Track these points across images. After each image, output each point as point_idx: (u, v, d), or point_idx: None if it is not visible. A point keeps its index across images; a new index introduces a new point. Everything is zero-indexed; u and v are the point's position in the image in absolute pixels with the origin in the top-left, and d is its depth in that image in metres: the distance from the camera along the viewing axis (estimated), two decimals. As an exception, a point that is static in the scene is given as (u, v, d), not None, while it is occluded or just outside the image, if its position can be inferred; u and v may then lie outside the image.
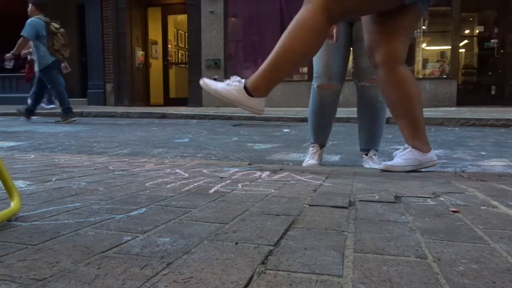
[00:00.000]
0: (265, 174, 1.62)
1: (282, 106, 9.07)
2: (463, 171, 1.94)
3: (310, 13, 1.63)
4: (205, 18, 10.04)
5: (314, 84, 2.23)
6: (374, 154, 2.28)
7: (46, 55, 5.92)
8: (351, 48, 2.22)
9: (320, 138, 2.33)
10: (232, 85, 1.70)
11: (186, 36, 10.84)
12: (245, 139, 3.97)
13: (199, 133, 4.66)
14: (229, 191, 1.26)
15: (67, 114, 6.14)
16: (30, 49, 7.97)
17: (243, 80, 1.72)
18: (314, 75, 2.24)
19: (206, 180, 1.45)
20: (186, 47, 11.12)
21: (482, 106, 8.75)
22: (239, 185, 1.36)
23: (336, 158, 2.75)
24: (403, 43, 1.76)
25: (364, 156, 2.30)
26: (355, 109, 2.31)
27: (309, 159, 2.30)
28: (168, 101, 11.26)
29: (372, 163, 2.23)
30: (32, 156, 2.17)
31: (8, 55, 6.44)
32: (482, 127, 5.48)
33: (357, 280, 0.59)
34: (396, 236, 0.81)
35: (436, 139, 3.99)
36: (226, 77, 10.02)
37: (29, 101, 6.47)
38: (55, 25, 6.08)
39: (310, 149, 2.34)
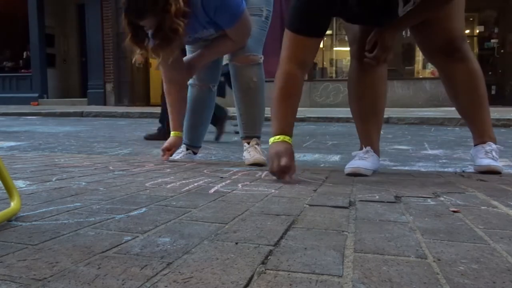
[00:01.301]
0: (265, 174, 1.62)
1: (282, 106, 9.05)
2: (463, 171, 1.94)
3: None
4: (205, 18, 10.03)
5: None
6: (257, 144, 2.06)
7: None
8: None
9: (190, 137, 2.30)
10: None
11: (186, 36, 10.83)
12: (245, 139, 3.97)
13: (199, 133, 4.65)
14: (229, 191, 1.26)
15: None
16: None
17: None
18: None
19: (206, 180, 1.45)
20: (186, 47, 11.11)
21: (482, 106, 8.72)
22: (239, 185, 1.36)
23: (336, 158, 2.75)
24: None
25: (246, 144, 2.07)
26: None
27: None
28: (168, 101, 11.24)
29: (254, 152, 2.00)
30: (32, 156, 2.17)
31: None
32: (482, 127, 5.47)
33: (357, 280, 0.59)
34: (396, 236, 0.81)
35: (436, 139, 3.99)
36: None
37: None
38: None
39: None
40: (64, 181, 1.39)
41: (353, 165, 1.64)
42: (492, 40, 10.15)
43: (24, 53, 12.17)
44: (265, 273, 0.61)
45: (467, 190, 1.31)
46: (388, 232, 0.83)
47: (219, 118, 3.70)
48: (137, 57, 1.93)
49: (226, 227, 0.86)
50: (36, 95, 11.64)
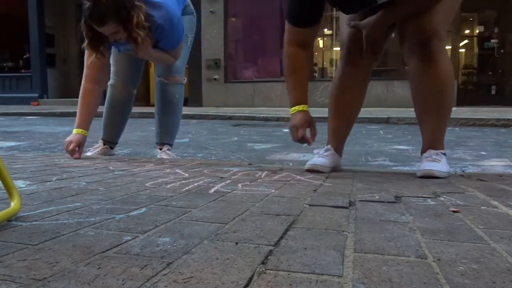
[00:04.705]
0: (265, 174, 1.62)
1: (282, 106, 9.06)
2: (463, 171, 1.94)
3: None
4: (205, 18, 10.04)
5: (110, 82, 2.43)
6: (168, 149, 2.46)
7: None
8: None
9: (108, 134, 2.50)
10: None
11: (186, 36, 10.83)
12: (245, 139, 3.97)
13: (199, 133, 4.66)
14: (229, 191, 1.26)
15: None
16: None
17: None
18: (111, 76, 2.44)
19: (206, 180, 1.45)
20: (186, 47, 11.11)
21: (482, 106, 8.75)
22: (239, 185, 1.36)
23: (336, 158, 2.74)
24: None
25: (158, 150, 2.46)
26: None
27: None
28: (168, 101, 11.24)
29: (165, 157, 2.39)
30: (32, 156, 2.17)
31: None
32: (482, 127, 5.48)
33: (357, 280, 0.59)
34: (396, 236, 0.81)
35: (436, 139, 3.98)
36: (226, 77, 10.00)
37: None
38: None
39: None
40: (64, 181, 1.39)
41: (312, 162, 1.76)
42: (492, 40, 10.15)
43: (26, 53, 12.17)
44: (265, 273, 0.61)
45: (467, 190, 1.31)
46: (388, 232, 0.83)
47: None
48: (92, 60, 2.13)
49: (226, 227, 0.86)
50: (36, 95, 11.64)
